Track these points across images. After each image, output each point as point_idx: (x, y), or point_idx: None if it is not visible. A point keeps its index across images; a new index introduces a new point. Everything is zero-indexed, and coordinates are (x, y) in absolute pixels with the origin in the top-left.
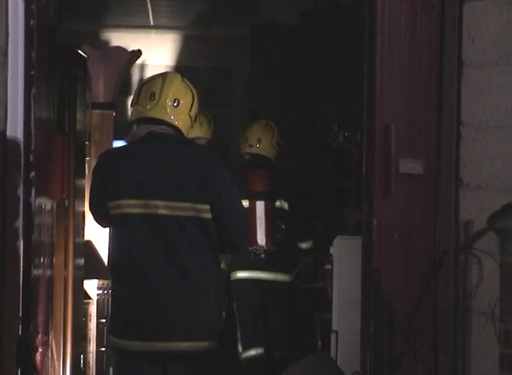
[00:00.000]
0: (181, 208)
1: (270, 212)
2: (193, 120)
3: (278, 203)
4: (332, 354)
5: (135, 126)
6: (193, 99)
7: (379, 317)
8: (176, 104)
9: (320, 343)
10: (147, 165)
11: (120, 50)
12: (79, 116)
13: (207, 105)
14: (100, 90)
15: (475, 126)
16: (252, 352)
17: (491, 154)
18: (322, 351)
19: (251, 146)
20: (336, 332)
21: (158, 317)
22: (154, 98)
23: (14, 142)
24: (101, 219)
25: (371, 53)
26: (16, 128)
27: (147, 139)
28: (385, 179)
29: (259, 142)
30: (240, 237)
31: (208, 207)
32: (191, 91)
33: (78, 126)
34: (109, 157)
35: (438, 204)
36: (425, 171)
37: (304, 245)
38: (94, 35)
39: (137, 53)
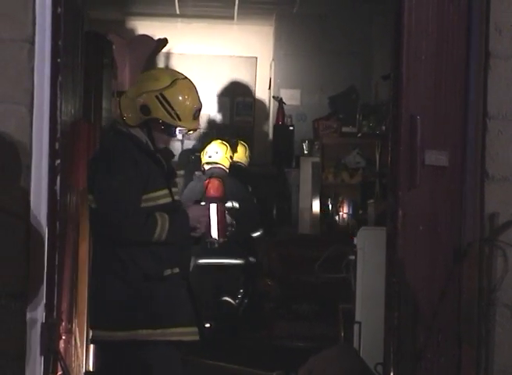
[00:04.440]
0: None
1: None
2: (139, 107)
3: (229, 204)
4: (355, 345)
5: None
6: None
7: (403, 309)
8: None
9: (343, 334)
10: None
11: (146, 38)
12: (104, 104)
13: (232, 94)
14: (125, 78)
15: (501, 118)
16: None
17: None
18: (345, 342)
19: (210, 157)
20: (360, 323)
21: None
22: None
23: (40, 130)
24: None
25: (398, 44)
26: (42, 116)
27: None
28: (411, 170)
29: (216, 154)
30: None
31: None
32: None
33: (104, 113)
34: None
35: (463, 196)
36: (451, 163)
37: (254, 234)
38: (121, 23)
39: (163, 41)
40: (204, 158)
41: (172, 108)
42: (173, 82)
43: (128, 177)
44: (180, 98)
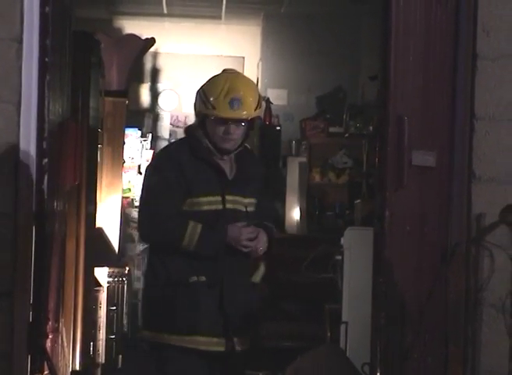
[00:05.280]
0: None
1: None
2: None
3: None
4: (342, 345)
5: None
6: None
7: (390, 309)
8: None
9: (329, 334)
10: None
11: (134, 38)
12: (92, 103)
13: None
14: (113, 77)
15: (489, 119)
16: None
17: (504, 147)
18: (332, 342)
19: None
20: (346, 323)
21: None
22: None
23: (28, 129)
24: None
25: (385, 45)
26: (29, 115)
27: None
28: (398, 171)
29: None
30: None
31: None
32: None
33: (91, 113)
34: None
35: (450, 196)
36: (438, 163)
37: None
38: (108, 23)
39: (151, 41)
40: None
41: (207, 98)
42: (217, 75)
43: (165, 179)
44: (214, 86)
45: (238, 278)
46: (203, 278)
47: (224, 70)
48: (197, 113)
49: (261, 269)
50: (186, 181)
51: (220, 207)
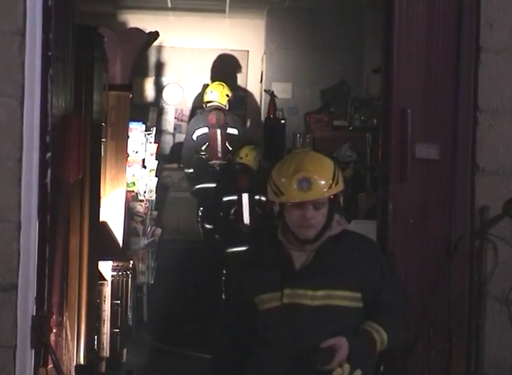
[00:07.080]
0: None
1: (251, 202)
2: None
3: (257, 197)
4: None
5: None
6: None
7: None
8: None
9: None
10: None
11: (137, 31)
12: (96, 98)
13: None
14: (117, 71)
15: (492, 112)
16: None
17: (507, 140)
18: None
19: (241, 158)
20: None
21: None
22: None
23: (31, 123)
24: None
25: (388, 37)
26: (32, 109)
27: None
28: (401, 163)
29: (246, 156)
30: None
31: None
32: None
33: (95, 107)
34: None
35: (453, 189)
36: (441, 156)
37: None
38: (112, 17)
39: (155, 35)
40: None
41: (275, 184)
42: (284, 158)
43: (229, 292)
44: (281, 170)
45: None
46: None
47: (293, 152)
48: (272, 204)
49: (343, 371)
50: (247, 285)
51: (278, 304)
